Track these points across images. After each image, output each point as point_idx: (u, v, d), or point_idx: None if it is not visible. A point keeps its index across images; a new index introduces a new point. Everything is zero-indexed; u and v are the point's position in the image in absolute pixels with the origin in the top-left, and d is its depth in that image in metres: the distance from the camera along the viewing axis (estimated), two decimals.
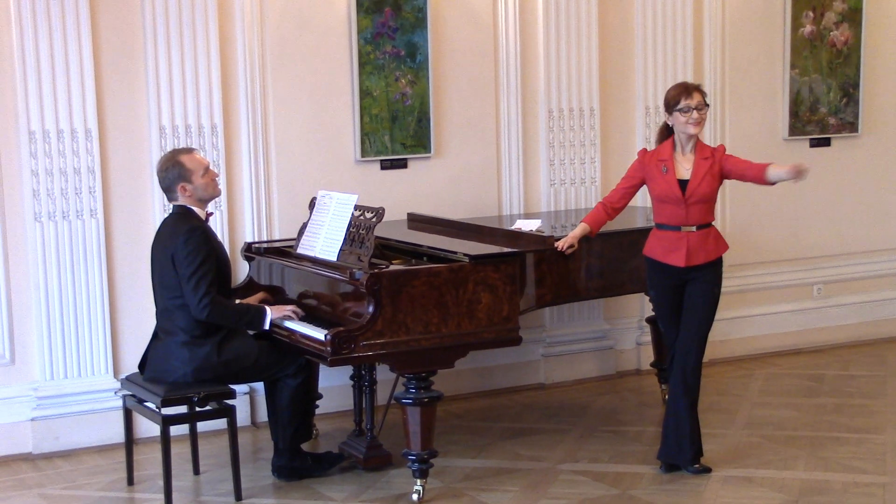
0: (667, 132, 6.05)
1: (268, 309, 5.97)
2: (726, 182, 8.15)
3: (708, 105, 5.99)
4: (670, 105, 5.92)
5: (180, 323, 5.85)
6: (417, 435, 5.72)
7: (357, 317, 5.65)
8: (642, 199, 7.03)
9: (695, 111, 5.86)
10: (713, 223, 6.04)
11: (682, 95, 5.88)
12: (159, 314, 6.00)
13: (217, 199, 6.19)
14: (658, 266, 6.02)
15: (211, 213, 6.08)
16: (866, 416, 7.09)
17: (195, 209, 5.93)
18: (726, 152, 6.02)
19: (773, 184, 6.01)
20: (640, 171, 6.04)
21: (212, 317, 5.78)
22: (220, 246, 6.02)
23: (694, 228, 5.94)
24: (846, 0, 8.68)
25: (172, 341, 5.88)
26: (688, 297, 6.02)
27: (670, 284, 6.02)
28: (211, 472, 6.31)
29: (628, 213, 6.83)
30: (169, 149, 6.61)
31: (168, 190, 5.95)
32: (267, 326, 5.94)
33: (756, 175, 5.95)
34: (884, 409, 7.22)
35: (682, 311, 6.04)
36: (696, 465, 6.04)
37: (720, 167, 5.95)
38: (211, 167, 6.04)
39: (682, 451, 6.03)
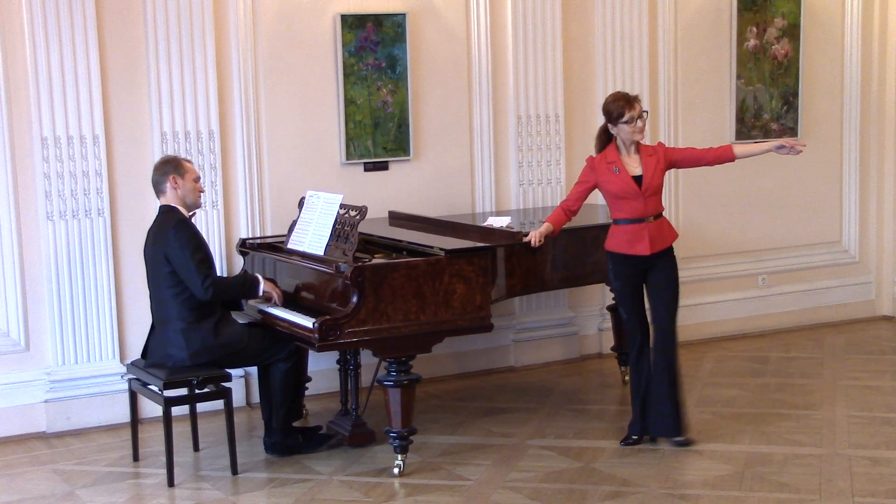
0: (606, 137, 6.08)
1: (259, 277, 6.04)
2: (679, 180, 8.36)
3: (646, 111, 6.06)
4: (614, 117, 5.94)
5: (173, 311, 5.83)
6: (398, 414, 5.71)
7: (342, 306, 5.64)
8: (601, 198, 7.02)
9: (638, 120, 5.91)
10: (663, 213, 6.10)
11: (625, 108, 5.92)
12: (154, 306, 5.99)
13: (199, 207, 6.15)
14: (623, 258, 6.02)
15: (193, 214, 6.05)
16: (805, 394, 7.11)
17: (180, 208, 5.92)
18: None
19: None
20: (592, 175, 6.06)
21: (216, 295, 5.80)
22: (203, 238, 6.01)
23: (652, 219, 5.98)
24: (786, 17, 8.70)
25: (169, 329, 5.86)
26: (654, 284, 6.07)
27: (635, 273, 6.05)
28: (209, 448, 6.29)
29: (590, 210, 6.84)
30: (170, 153, 6.61)
31: (159, 182, 5.94)
32: (260, 293, 5.99)
33: (717, 156, 6.07)
34: (821, 388, 7.24)
35: (649, 297, 6.09)
36: (681, 438, 6.08)
37: (667, 160, 6.02)
38: (200, 181, 6.09)
39: (666, 423, 6.06)
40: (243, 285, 6.03)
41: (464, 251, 5.83)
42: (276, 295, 6.02)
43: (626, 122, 5.91)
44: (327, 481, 5.73)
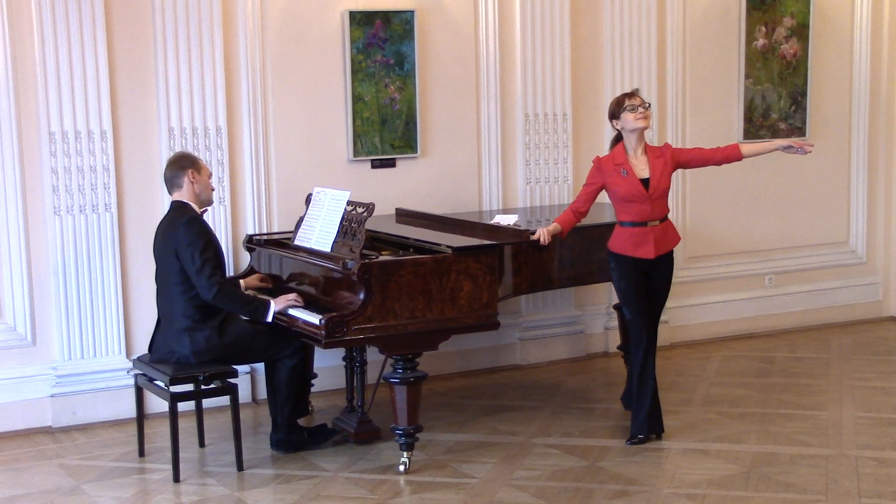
0: (619, 140, 6.08)
1: (272, 302, 5.89)
2: (687, 180, 8.34)
3: (649, 105, 6.06)
4: (617, 110, 5.98)
5: (179, 309, 5.81)
6: (404, 411, 5.71)
7: (349, 303, 5.63)
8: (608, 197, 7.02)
9: (640, 107, 5.90)
10: (668, 215, 6.10)
11: (625, 98, 5.99)
12: (160, 302, 5.98)
13: (211, 204, 6.13)
14: (627, 260, 6.02)
15: (205, 210, 6.04)
16: (812, 394, 7.10)
17: (192, 204, 5.90)
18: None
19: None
20: (599, 176, 6.05)
21: (219, 297, 5.72)
22: (215, 237, 5.98)
23: (658, 222, 5.97)
24: (795, 16, 8.68)
25: (174, 326, 5.85)
26: (653, 286, 6.08)
27: (638, 274, 6.05)
28: (215, 444, 6.29)
29: (597, 209, 6.81)
30: (177, 149, 6.64)
31: (174, 177, 5.90)
32: (270, 319, 5.85)
33: (725, 156, 6.07)
34: (827, 388, 7.23)
35: (647, 297, 6.09)
36: (641, 436, 6.15)
37: (674, 161, 6.01)
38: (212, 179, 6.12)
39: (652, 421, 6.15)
40: (251, 303, 5.85)
41: (471, 249, 5.82)
42: (293, 300, 5.90)
43: (628, 110, 5.93)
44: (333, 478, 5.73)
